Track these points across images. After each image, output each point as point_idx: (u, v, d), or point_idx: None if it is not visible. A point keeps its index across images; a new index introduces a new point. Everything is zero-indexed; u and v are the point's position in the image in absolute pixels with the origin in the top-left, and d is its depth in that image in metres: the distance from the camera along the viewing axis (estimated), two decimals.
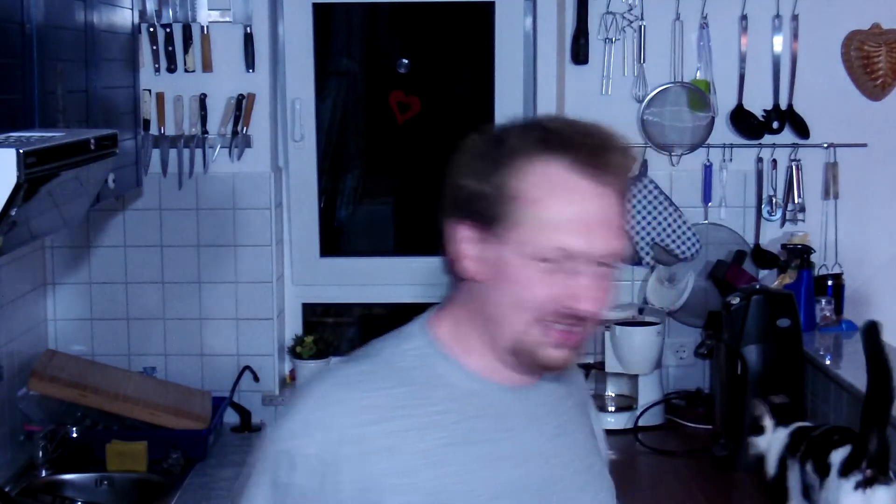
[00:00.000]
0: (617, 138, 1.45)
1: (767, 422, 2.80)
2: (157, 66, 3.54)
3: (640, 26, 3.61)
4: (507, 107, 3.78)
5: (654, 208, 3.60)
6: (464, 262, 1.46)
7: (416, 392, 1.46)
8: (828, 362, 3.19)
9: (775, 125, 3.63)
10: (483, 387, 1.49)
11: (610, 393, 3.63)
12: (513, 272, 1.42)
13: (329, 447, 1.41)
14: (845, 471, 2.43)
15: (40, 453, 3.14)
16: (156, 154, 3.55)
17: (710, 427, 3.43)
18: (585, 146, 1.41)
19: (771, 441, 2.77)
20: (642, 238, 3.59)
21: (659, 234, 3.59)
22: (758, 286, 3.39)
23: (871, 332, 2.48)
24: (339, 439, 1.41)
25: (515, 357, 1.46)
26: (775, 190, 3.66)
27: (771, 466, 2.74)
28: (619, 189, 1.44)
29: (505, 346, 1.46)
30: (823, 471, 2.50)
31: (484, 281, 1.45)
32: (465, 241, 1.46)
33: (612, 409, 3.57)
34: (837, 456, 2.48)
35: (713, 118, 3.62)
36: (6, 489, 3.00)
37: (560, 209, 1.40)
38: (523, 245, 1.41)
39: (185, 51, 3.53)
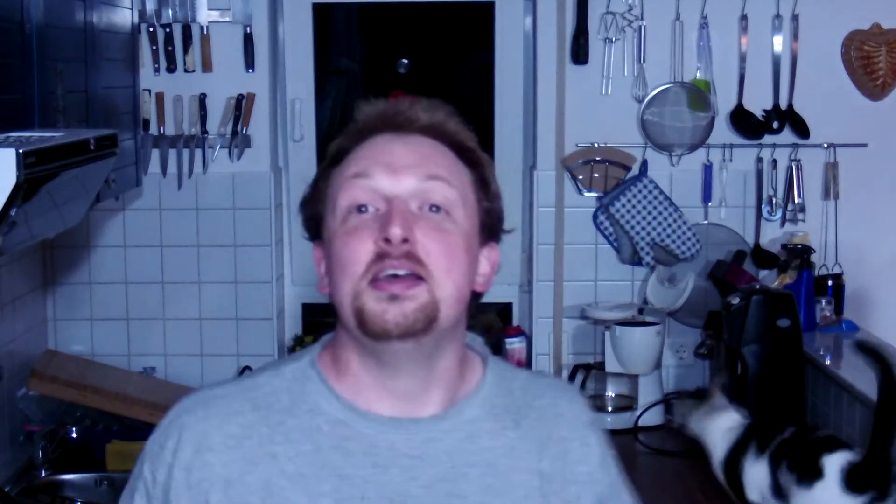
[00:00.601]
0: (421, 103, 1.38)
1: (720, 401, 2.80)
2: (156, 66, 3.54)
3: (640, 26, 3.61)
4: (507, 107, 3.78)
5: (654, 208, 3.60)
6: (320, 283, 1.38)
7: (270, 419, 1.33)
8: (828, 362, 3.19)
9: (775, 125, 3.63)
10: (353, 416, 1.34)
11: (610, 393, 3.63)
12: (336, 243, 1.32)
13: (166, 471, 1.33)
14: (853, 485, 2.43)
15: (40, 453, 3.14)
16: (156, 154, 3.55)
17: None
18: (383, 113, 1.36)
19: (719, 425, 2.75)
20: (642, 238, 3.59)
21: (659, 234, 3.59)
22: (758, 286, 3.39)
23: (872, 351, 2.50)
24: (177, 465, 1.32)
25: (362, 333, 1.30)
26: (775, 190, 3.66)
27: (720, 451, 2.73)
28: (436, 143, 1.36)
29: (352, 331, 1.31)
30: (808, 472, 2.49)
31: (330, 287, 1.34)
32: (319, 261, 1.38)
33: (611, 409, 3.57)
34: (833, 461, 2.47)
35: (713, 118, 3.62)
36: (6, 489, 2.99)
37: (357, 157, 1.34)
38: (335, 208, 1.33)
39: (185, 51, 3.53)
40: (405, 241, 1.28)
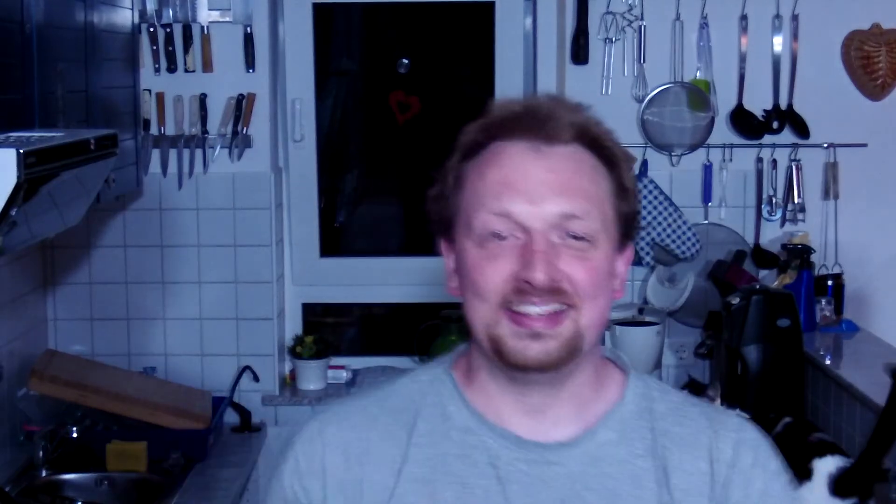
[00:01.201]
0: (562, 101, 1.33)
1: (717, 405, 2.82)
2: (157, 66, 3.54)
3: (640, 26, 3.61)
4: None
5: (654, 208, 3.60)
6: (448, 281, 1.36)
7: (406, 422, 1.35)
8: (828, 362, 3.19)
9: (775, 125, 3.63)
10: (481, 426, 1.33)
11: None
12: (469, 262, 1.29)
13: (320, 485, 1.34)
14: (839, 490, 2.46)
15: (40, 453, 3.14)
16: (156, 154, 3.55)
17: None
18: (524, 115, 1.30)
19: None
20: (642, 238, 3.59)
21: (659, 234, 3.59)
22: (758, 286, 3.39)
23: None
24: (330, 478, 1.34)
25: (498, 360, 1.29)
26: (775, 190, 3.66)
27: None
28: (577, 152, 1.30)
29: (486, 353, 1.31)
30: (797, 473, 2.51)
31: (462, 291, 1.32)
32: (447, 256, 1.35)
33: None
34: (824, 466, 2.49)
35: (713, 118, 3.62)
36: (6, 489, 2.99)
37: (494, 175, 1.28)
38: (470, 228, 1.29)
39: (185, 51, 3.53)
40: (550, 281, 1.25)
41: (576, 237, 1.27)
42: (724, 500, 1.31)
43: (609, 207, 1.31)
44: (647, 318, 3.59)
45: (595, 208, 1.28)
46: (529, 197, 1.26)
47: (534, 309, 1.26)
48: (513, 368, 1.28)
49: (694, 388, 3.58)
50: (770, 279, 3.63)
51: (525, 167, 1.28)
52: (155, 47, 3.52)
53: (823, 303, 3.57)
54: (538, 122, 1.29)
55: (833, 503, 2.47)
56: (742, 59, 3.63)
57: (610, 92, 3.64)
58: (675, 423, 1.35)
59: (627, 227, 1.34)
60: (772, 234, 3.69)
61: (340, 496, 1.33)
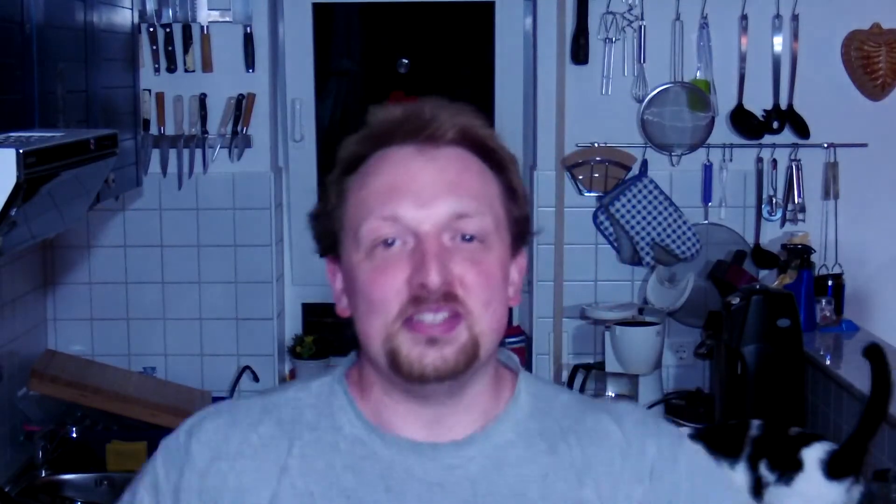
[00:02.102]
0: (444, 104, 1.27)
1: None
2: (156, 66, 3.54)
3: (640, 26, 3.60)
4: (507, 107, 3.78)
5: (654, 208, 3.59)
6: (337, 304, 1.31)
7: (290, 432, 1.29)
8: (828, 362, 3.19)
9: (775, 125, 3.63)
10: (371, 436, 1.27)
11: (610, 393, 3.62)
12: (360, 277, 1.23)
13: (177, 472, 1.31)
14: (833, 472, 2.50)
15: (40, 453, 3.14)
16: (156, 154, 3.55)
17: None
18: (405, 119, 1.26)
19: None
20: (642, 238, 3.59)
21: (659, 234, 3.59)
22: (758, 286, 3.39)
23: (876, 353, 2.55)
24: (190, 468, 1.30)
25: (395, 374, 1.23)
26: (775, 190, 3.66)
27: None
28: (462, 154, 1.26)
29: (381, 369, 1.25)
30: (788, 467, 2.54)
31: (352, 309, 1.27)
32: (334, 277, 1.31)
33: None
34: (813, 453, 2.53)
35: (713, 118, 3.61)
36: (6, 489, 3.00)
37: (378, 181, 1.24)
38: (357, 240, 1.23)
39: (185, 51, 3.53)
40: (443, 283, 1.20)
41: (467, 238, 1.23)
42: (642, 476, 1.29)
43: (500, 208, 1.27)
44: (647, 318, 3.59)
45: (486, 207, 1.24)
46: (418, 198, 1.22)
47: (429, 317, 1.20)
48: (410, 381, 1.22)
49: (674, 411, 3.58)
50: (770, 279, 3.63)
51: (411, 169, 1.24)
52: (155, 47, 3.52)
53: (823, 303, 3.57)
54: (421, 124, 1.25)
55: (830, 486, 2.51)
56: (742, 59, 3.63)
57: (610, 92, 3.64)
58: (576, 420, 1.32)
59: (520, 231, 1.30)
60: (772, 234, 3.69)
61: (196, 489, 1.28)
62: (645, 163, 3.64)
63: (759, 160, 3.65)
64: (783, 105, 3.64)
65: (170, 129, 3.57)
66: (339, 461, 1.27)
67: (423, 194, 1.22)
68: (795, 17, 3.61)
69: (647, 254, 3.61)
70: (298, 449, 1.28)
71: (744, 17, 3.61)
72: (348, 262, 1.26)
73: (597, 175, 3.64)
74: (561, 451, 1.29)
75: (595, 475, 1.28)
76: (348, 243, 1.26)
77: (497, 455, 1.28)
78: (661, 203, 3.60)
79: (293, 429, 1.30)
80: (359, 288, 1.24)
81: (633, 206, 3.59)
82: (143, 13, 3.47)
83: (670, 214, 3.60)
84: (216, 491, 1.28)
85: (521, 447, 1.29)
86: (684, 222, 3.61)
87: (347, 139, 1.30)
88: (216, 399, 3.51)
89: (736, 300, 3.23)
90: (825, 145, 3.63)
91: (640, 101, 3.63)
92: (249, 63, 3.56)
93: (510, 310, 1.33)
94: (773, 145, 3.64)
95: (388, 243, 1.22)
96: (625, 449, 1.30)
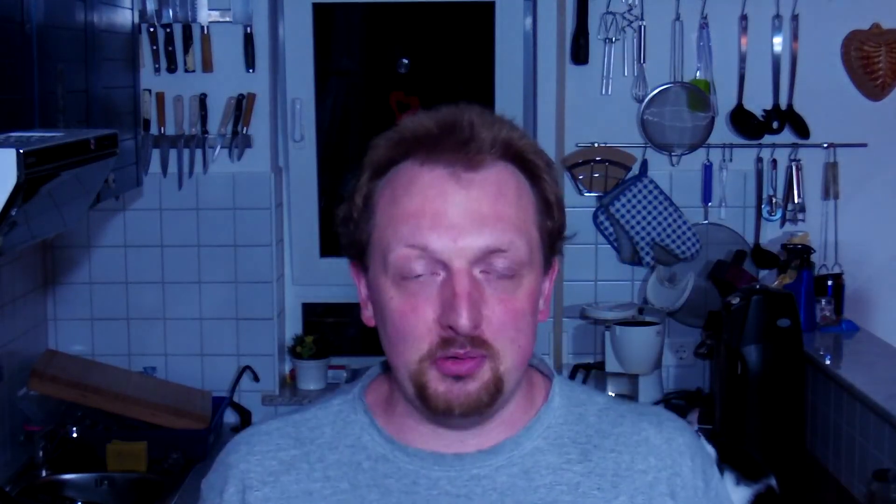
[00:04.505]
0: (483, 116, 1.21)
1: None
2: (157, 66, 3.54)
3: (640, 26, 3.61)
4: (507, 107, 3.77)
5: (654, 208, 3.60)
6: (363, 309, 1.26)
7: (311, 454, 1.27)
8: (828, 362, 3.19)
9: (775, 125, 3.63)
10: (394, 451, 1.25)
11: (610, 393, 3.62)
12: (389, 304, 1.19)
13: None
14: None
15: (40, 453, 3.15)
16: (156, 154, 3.55)
17: (710, 427, 3.43)
18: (441, 134, 1.19)
19: None
20: (642, 238, 3.59)
21: (659, 234, 3.59)
22: (758, 286, 3.39)
23: None
24: (223, 502, 1.29)
25: (422, 405, 1.20)
26: (775, 190, 3.66)
27: None
28: (500, 173, 1.20)
29: (411, 398, 1.21)
30: None
31: (378, 324, 1.23)
32: (359, 282, 1.26)
33: None
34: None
35: (713, 118, 3.62)
36: (6, 489, 3.00)
37: (410, 205, 1.18)
38: (385, 264, 1.19)
39: (185, 51, 3.53)
40: (475, 326, 1.16)
41: (500, 273, 1.18)
42: (677, 490, 1.26)
43: (534, 228, 1.22)
44: (647, 318, 3.59)
45: (520, 237, 1.19)
46: (451, 231, 1.16)
47: (457, 354, 1.17)
48: (437, 414, 1.20)
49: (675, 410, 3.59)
50: (770, 279, 3.63)
51: (444, 197, 1.17)
52: (155, 47, 3.52)
53: (823, 303, 3.57)
54: (458, 143, 1.18)
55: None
56: (742, 59, 3.63)
57: (610, 92, 3.64)
58: (613, 424, 1.28)
59: (553, 243, 1.26)
60: (772, 234, 3.69)
61: None
62: (645, 163, 3.64)
63: (759, 160, 3.65)
64: (783, 105, 3.64)
65: (170, 129, 3.57)
66: (362, 480, 1.24)
67: (455, 226, 1.16)
68: (795, 18, 3.61)
69: (647, 254, 3.61)
70: (321, 472, 1.26)
71: (744, 17, 3.62)
72: (375, 280, 1.22)
73: (597, 175, 3.65)
74: (595, 458, 1.25)
75: (630, 483, 1.25)
76: (376, 261, 1.21)
77: (526, 463, 1.24)
78: (661, 203, 3.60)
79: (313, 450, 1.28)
80: (387, 314, 1.20)
81: (633, 206, 3.59)
82: (143, 13, 3.47)
83: (670, 214, 3.60)
84: None
85: (551, 454, 1.25)
86: (684, 222, 3.61)
87: (376, 140, 1.24)
88: (216, 399, 3.52)
89: (736, 300, 3.23)
90: (825, 145, 3.63)
91: (640, 101, 3.63)
92: (249, 63, 3.56)
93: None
94: (773, 145, 3.64)
95: (416, 272, 1.18)
96: (662, 458, 1.27)
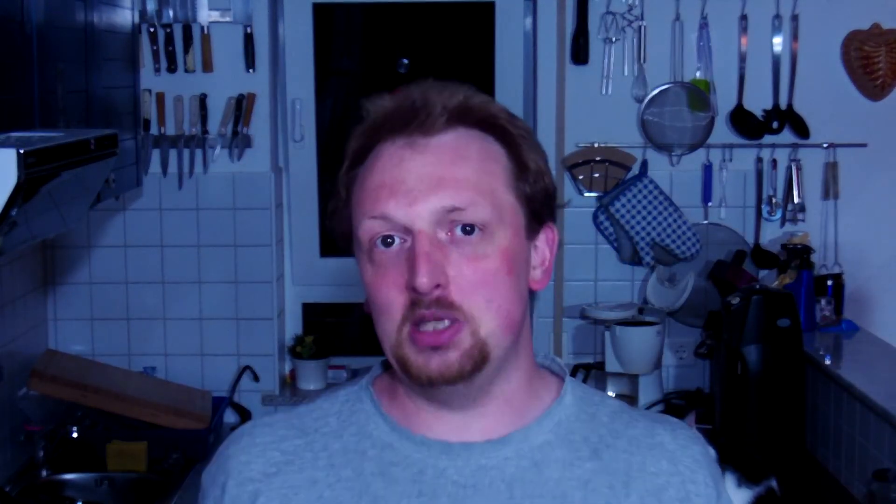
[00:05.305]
0: (436, 86, 1.22)
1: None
2: (157, 66, 3.54)
3: (640, 26, 3.61)
4: (507, 107, 3.77)
5: (654, 208, 3.60)
6: (367, 301, 1.26)
7: (315, 443, 1.26)
8: (828, 362, 3.19)
9: (775, 125, 3.63)
10: (400, 439, 1.24)
11: (610, 393, 3.62)
12: (367, 280, 1.20)
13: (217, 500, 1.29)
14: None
15: (40, 453, 3.15)
16: (156, 154, 3.55)
17: (710, 427, 3.43)
18: (396, 110, 1.21)
19: None
20: (642, 238, 3.59)
21: (659, 234, 3.59)
22: (758, 286, 3.39)
23: None
24: (226, 498, 1.27)
25: (407, 379, 1.20)
26: (775, 190, 3.66)
27: None
28: (460, 138, 1.20)
29: (400, 375, 1.22)
30: None
31: (370, 312, 1.23)
32: (364, 274, 1.25)
33: None
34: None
35: (713, 118, 3.62)
36: (6, 489, 3.00)
37: (372, 180, 1.19)
38: (359, 242, 1.20)
39: (186, 51, 3.53)
40: (436, 286, 1.15)
41: (468, 229, 1.17)
42: (689, 497, 1.24)
43: (505, 192, 1.20)
44: (647, 318, 3.59)
45: (482, 197, 1.18)
46: (406, 196, 1.17)
47: (430, 326, 1.17)
48: (421, 385, 1.19)
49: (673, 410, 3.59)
50: (770, 279, 3.63)
51: (401, 165, 1.19)
52: (155, 47, 3.53)
53: (823, 303, 3.57)
54: (411, 114, 1.20)
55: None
56: (742, 59, 3.63)
57: (610, 92, 3.64)
58: (627, 425, 1.27)
59: (540, 208, 1.23)
60: (772, 234, 3.69)
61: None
62: (645, 163, 3.64)
63: (759, 160, 3.65)
64: (783, 105, 3.64)
65: (170, 129, 3.57)
66: (367, 468, 1.23)
67: (411, 191, 1.17)
68: (795, 18, 3.61)
69: (647, 254, 3.61)
70: (325, 460, 1.25)
71: (744, 17, 3.62)
72: (358, 263, 1.23)
73: (597, 175, 3.65)
74: (606, 457, 1.24)
75: (642, 484, 1.23)
76: (355, 244, 1.22)
77: (535, 456, 1.23)
78: (660, 203, 3.61)
79: (317, 439, 1.27)
80: (367, 292, 1.21)
81: (633, 206, 3.59)
82: (143, 13, 3.47)
83: (670, 214, 3.60)
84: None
85: (562, 449, 1.24)
86: (684, 222, 3.61)
87: (353, 131, 1.26)
88: (216, 399, 3.52)
89: (736, 300, 3.23)
90: (825, 145, 3.64)
91: (640, 101, 3.63)
92: (249, 63, 3.56)
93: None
94: (773, 145, 3.64)
95: (387, 243, 1.18)
96: (676, 464, 1.25)
